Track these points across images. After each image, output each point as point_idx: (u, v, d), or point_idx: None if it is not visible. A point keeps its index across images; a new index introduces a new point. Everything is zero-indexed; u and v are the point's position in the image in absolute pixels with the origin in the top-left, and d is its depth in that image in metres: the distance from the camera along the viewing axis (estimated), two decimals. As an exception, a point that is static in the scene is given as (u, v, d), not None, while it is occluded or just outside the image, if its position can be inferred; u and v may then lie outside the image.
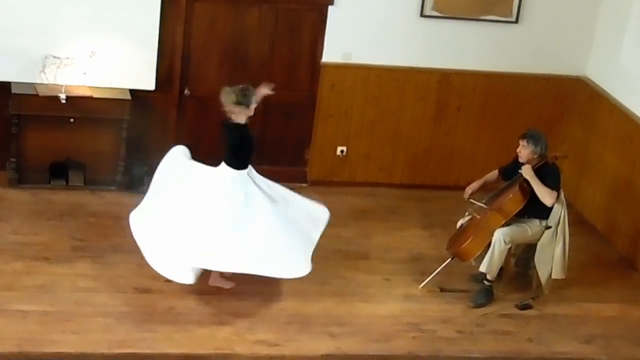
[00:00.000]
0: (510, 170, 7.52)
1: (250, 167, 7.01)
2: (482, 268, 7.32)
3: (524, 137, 7.37)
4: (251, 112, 6.97)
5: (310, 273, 7.39)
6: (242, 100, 6.88)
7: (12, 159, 8.28)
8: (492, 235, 7.28)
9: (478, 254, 7.35)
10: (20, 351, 6.28)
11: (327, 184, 8.98)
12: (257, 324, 6.84)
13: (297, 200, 7.22)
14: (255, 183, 6.99)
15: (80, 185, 8.39)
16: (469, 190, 7.57)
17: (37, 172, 8.29)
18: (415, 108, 8.99)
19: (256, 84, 8.55)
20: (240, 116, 6.92)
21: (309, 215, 7.20)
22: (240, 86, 6.99)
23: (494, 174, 7.69)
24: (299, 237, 7.02)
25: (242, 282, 7.21)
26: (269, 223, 6.87)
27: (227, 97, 6.88)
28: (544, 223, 7.40)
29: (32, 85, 8.17)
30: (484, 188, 7.62)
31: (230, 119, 6.93)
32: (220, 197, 6.87)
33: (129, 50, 8.30)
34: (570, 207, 7.77)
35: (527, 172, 7.27)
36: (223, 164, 6.95)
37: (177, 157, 7.16)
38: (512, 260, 7.57)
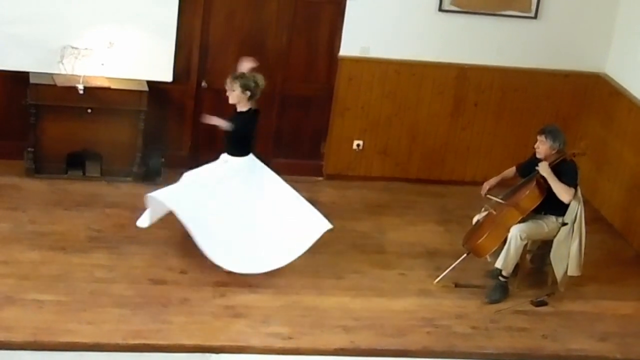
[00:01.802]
0: (528, 167, 7.49)
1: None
2: (498, 264, 7.30)
3: (542, 132, 7.34)
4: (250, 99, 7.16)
5: (325, 266, 7.45)
6: (247, 86, 7.10)
7: (29, 149, 8.31)
8: (508, 231, 7.26)
9: (494, 249, 7.33)
10: (35, 340, 6.30)
11: (343, 177, 8.97)
12: (272, 317, 6.84)
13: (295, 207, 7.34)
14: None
15: (96, 175, 8.41)
16: (486, 186, 7.55)
17: (54, 162, 8.32)
18: (433, 103, 8.97)
19: (274, 77, 8.64)
20: (244, 103, 7.13)
21: (299, 229, 7.27)
22: (240, 73, 7.21)
23: (511, 170, 7.67)
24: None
25: (256, 275, 7.21)
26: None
27: (236, 83, 7.10)
28: (560, 220, 7.37)
29: (50, 75, 8.19)
30: (501, 184, 7.59)
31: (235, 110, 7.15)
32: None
33: (147, 42, 8.31)
34: (587, 204, 7.74)
35: (543, 168, 7.24)
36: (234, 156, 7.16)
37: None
38: (528, 256, 7.55)
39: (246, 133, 7.20)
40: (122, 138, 8.34)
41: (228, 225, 7.05)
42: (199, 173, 7.31)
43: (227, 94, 7.19)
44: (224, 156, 7.28)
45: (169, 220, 7.21)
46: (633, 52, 8.65)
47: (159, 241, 7.45)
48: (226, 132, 7.19)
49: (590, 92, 9.12)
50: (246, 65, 7.36)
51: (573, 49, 8.98)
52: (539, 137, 7.32)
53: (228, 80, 7.20)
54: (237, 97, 7.16)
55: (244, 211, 7.12)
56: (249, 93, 7.13)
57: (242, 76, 7.18)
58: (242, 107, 7.19)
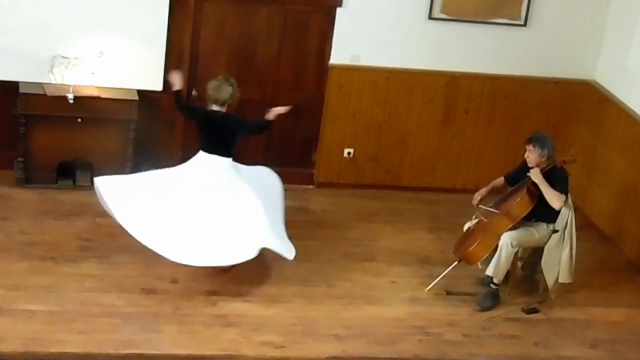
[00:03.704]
0: (517, 176, 7.49)
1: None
2: (489, 271, 7.31)
3: (529, 141, 7.35)
4: None
5: (316, 275, 7.44)
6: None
7: (19, 159, 8.29)
8: (499, 238, 7.26)
9: (485, 257, 7.34)
10: (26, 351, 6.28)
11: (334, 185, 8.97)
12: (263, 326, 6.83)
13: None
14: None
15: (87, 185, 8.38)
16: (477, 197, 7.55)
17: (44, 171, 8.30)
18: (423, 111, 8.98)
19: (264, 85, 8.65)
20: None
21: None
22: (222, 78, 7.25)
23: (500, 180, 7.67)
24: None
25: (248, 283, 7.21)
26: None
27: (229, 90, 7.17)
28: (551, 227, 7.38)
29: (40, 85, 8.18)
30: (492, 193, 7.60)
31: (220, 111, 7.19)
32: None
33: (137, 51, 8.31)
34: (577, 210, 7.75)
35: (535, 175, 7.25)
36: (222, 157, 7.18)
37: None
38: (519, 263, 7.56)
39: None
40: (112, 147, 8.33)
41: (173, 219, 7.01)
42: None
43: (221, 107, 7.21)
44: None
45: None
46: (622, 59, 8.68)
47: (149, 250, 7.40)
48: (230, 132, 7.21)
49: (580, 99, 9.15)
50: (176, 78, 7.36)
51: (563, 56, 9.01)
52: (527, 147, 7.33)
53: (230, 89, 7.21)
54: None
55: (195, 208, 7.08)
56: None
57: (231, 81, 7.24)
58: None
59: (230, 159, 7.22)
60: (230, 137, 7.19)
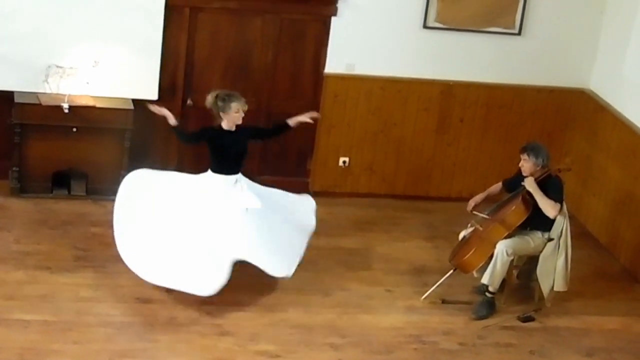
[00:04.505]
0: (514, 183, 7.51)
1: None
2: (484, 280, 7.31)
3: (523, 150, 7.36)
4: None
5: (312, 284, 7.43)
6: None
7: (14, 168, 8.28)
8: (494, 247, 7.27)
9: (480, 265, 7.34)
10: (21, 361, 6.28)
11: (329, 194, 8.96)
12: (259, 335, 6.82)
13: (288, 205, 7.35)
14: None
15: (82, 194, 8.39)
16: (472, 203, 7.56)
17: (39, 181, 8.29)
18: (418, 119, 8.99)
19: (259, 94, 8.66)
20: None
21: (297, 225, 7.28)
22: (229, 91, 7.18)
23: (497, 186, 7.68)
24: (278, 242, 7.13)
25: (243, 292, 7.20)
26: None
27: (237, 102, 7.08)
28: (546, 235, 7.39)
29: (35, 94, 8.18)
30: (487, 200, 7.61)
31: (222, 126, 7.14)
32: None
33: (132, 60, 8.31)
34: (573, 219, 7.76)
35: (529, 184, 7.26)
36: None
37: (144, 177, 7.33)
38: (514, 272, 7.55)
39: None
40: (107, 157, 8.32)
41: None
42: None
43: (241, 113, 7.11)
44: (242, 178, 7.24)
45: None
46: (617, 67, 8.70)
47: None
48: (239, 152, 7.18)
49: (575, 107, 9.16)
50: (166, 113, 7.26)
51: (557, 65, 9.02)
52: (521, 156, 7.34)
53: (241, 101, 7.11)
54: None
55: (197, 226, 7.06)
56: None
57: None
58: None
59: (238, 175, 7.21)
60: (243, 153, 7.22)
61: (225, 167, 7.15)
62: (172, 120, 7.17)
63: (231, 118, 7.08)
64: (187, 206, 7.10)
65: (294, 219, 7.36)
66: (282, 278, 7.12)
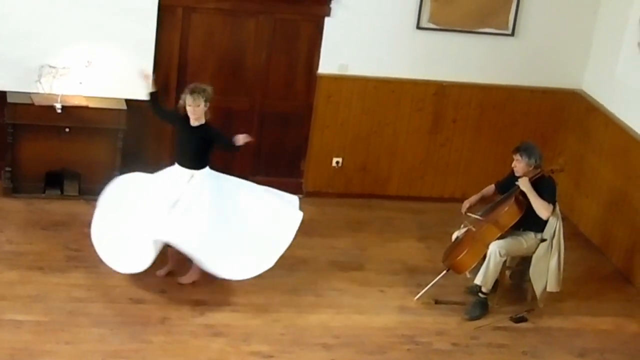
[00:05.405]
0: (507, 184, 7.51)
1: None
2: (477, 280, 7.31)
3: (516, 150, 7.37)
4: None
5: (304, 284, 7.43)
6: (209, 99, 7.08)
7: (7, 168, 8.26)
8: (487, 247, 7.27)
9: (473, 266, 7.34)
10: (13, 361, 6.26)
11: (322, 195, 8.97)
12: (252, 335, 6.82)
13: (267, 200, 7.29)
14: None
15: (75, 195, 8.37)
16: (466, 204, 7.56)
17: (32, 181, 8.28)
18: (411, 120, 8.99)
19: (253, 94, 8.66)
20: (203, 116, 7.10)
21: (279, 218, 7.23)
22: (200, 86, 7.10)
23: (490, 188, 7.69)
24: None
25: (236, 293, 7.20)
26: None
27: (204, 96, 7.01)
28: (539, 236, 7.39)
29: (27, 94, 8.16)
30: (481, 202, 7.61)
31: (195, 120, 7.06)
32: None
33: (125, 60, 8.29)
34: (565, 220, 7.77)
35: (524, 184, 7.27)
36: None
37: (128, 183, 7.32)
38: (507, 272, 7.56)
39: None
40: (100, 157, 8.31)
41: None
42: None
43: (192, 109, 6.99)
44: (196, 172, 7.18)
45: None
46: (609, 68, 8.71)
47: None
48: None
49: (568, 108, 9.18)
50: (147, 77, 7.31)
51: (550, 65, 9.04)
52: (514, 156, 7.35)
53: (192, 96, 6.99)
54: (202, 112, 7.04)
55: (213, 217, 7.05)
56: (208, 105, 7.08)
57: (203, 89, 7.05)
58: (202, 121, 7.11)
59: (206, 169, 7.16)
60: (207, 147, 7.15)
61: (180, 158, 7.14)
62: (151, 87, 7.24)
63: (188, 111, 7.03)
64: (148, 196, 7.12)
65: (276, 216, 7.25)
66: (228, 279, 7.06)
